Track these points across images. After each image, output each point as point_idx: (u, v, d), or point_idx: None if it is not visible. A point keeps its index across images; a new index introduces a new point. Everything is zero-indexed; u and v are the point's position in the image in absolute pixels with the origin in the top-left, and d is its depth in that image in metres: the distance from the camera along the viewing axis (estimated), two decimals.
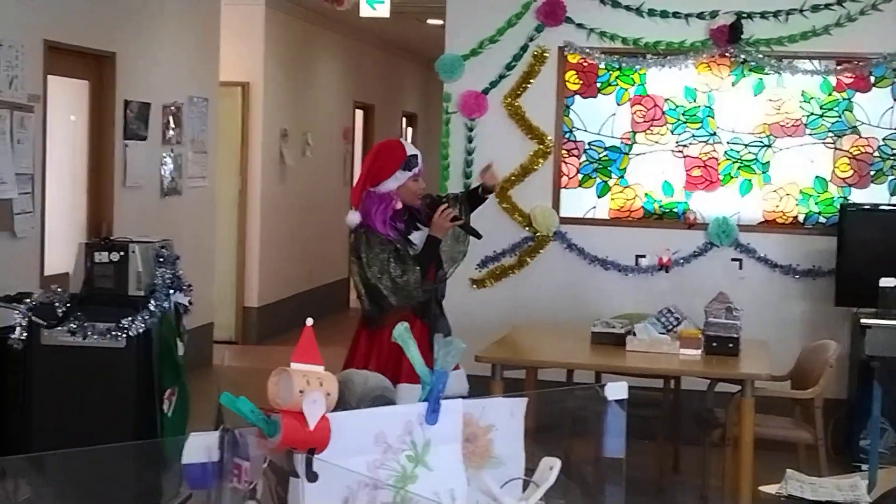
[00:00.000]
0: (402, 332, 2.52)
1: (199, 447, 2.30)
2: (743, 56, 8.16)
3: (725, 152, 8.29)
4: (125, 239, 6.12)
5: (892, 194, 8.14)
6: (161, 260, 5.97)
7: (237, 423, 2.32)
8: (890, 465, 4.79)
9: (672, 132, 8.34)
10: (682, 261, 8.29)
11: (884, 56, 8.01)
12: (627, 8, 8.29)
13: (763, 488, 4.82)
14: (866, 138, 8.14)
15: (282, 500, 2.28)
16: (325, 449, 2.22)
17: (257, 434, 2.24)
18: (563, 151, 8.46)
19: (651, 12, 8.27)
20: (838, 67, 8.11)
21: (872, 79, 8.12)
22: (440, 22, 9.47)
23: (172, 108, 9.36)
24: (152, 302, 5.83)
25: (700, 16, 8.21)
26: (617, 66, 8.34)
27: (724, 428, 6.34)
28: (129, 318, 5.75)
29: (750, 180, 8.28)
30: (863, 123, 8.14)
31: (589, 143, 8.44)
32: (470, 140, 8.45)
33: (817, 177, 8.21)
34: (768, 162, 8.25)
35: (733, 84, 8.26)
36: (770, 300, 8.17)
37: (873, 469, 4.30)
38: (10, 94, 7.00)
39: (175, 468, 5.59)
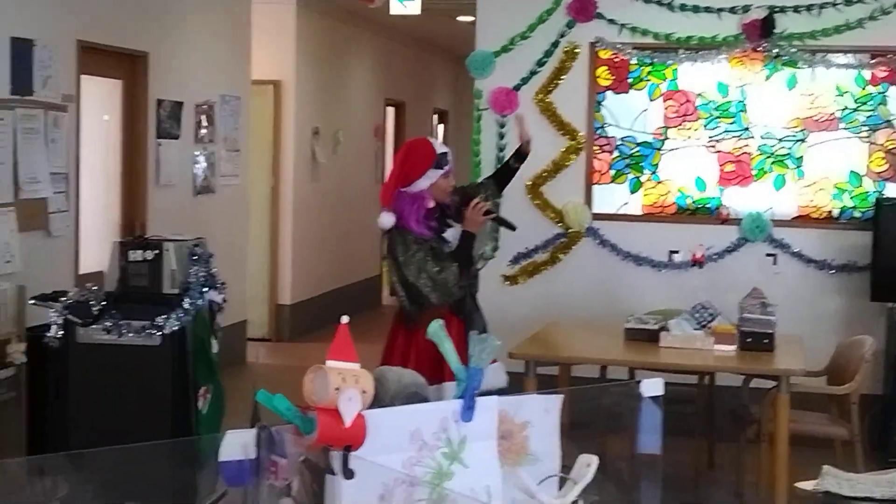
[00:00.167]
0: (436, 330, 2.52)
1: (236, 444, 2.31)
2: (776, 50, 8.12)
3: (759, 147, 8.25)
4: (159, 237, 6.15)
5: None
6: (195, 258, 5.99)
7: (273, 420, 2.33)
8: None
9: (705, 127, 8.30)
10: (715, 256, 8.26)
11: None
12: (659, 3, 8.26)
13: (799, 485, 4.79)
14: None
15: (317, 496, 2.29)
16: (362, 446, 2.22)
17: (293, 431, 2.24)
18: (595, 147, 8.43)
19: (683, 7, 8.23)
20: (872, 61, 8.05)
21: None
22: (471, 18, 9.46)
23: (205, 106, 9.39)
24: (186, 300, 5.85)
25: (732, 10, 8.17)
26: (649, 62, 8.31)
27: (760, 424, 6.31)
28: (164, 316, 5.77)
29: (784, 175, 8.23)
30: None
31: (621, 139, 8.41)
32: (501, 137, 8.44)
33: (852, 171, 8.16)
34: (802, 156, 8.20)
35: (766, 78, 8.21)
36: (805, 295, 8.13)
37: None
38: (44, 94, 7.05)
39: (210, 465, 5.62)
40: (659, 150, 8.37)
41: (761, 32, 8.06)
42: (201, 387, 5.94)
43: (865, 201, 8.12)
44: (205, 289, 5.95)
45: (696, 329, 6.46)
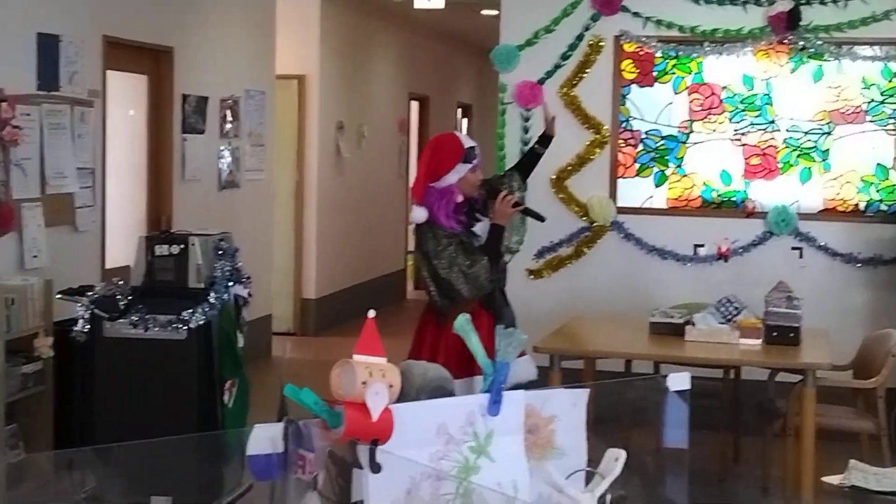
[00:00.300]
0: (463, 324, 2.52)
1: (264, 439, 2.32)
2: (802, 43, 8.08)
3: (784, 140, 8.21)
4: (185, 232, 6.17)
5: None
6: (220, 252, 6.01)
7: (300, 414, 2.34)
8: None
9: (730, 120, 8.27)
10: (741, 250, 8.23)
11: None
12: None
13: (826, 479, 4.78)
14: None
15: (343, 490, 2.30)
16: (388, 440, 2.23)
17: (320, 425, 2.25)
18: (620, 141, 8.42)
19: (708, 0, 8.20)
20: None
21: None
22: (495, 12, 9.45)
23: (230, 101, 9.42)
24: (212, 294, 5.87)
25: (758, 2, 8.14)
26: (674, 55, 8.29)
27: (786, 418, 6.29)
28: (190, 311, 5.79)
29: (809, 168, 8.20)
30: None
31: (646, 133, 8.39)
32: (526, 130, 8.43)
33: (878, 164, 8.12)
34: (828, 149, 8.16)
35: (792, 71, 8.18)
36: (831, 289, 8.09)
37: None
38: (70, 90, 7.08)
39: (236, 460, 5.65)
40: (684, 143, 8.34)
41: (787, 25, 8.03)
42: (227, 381, 5.97)
43: (892, 194, 8.08)
44: (230, 283, 5.97)
45: (721, 323, 6.45)
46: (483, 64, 13.68)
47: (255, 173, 10.00)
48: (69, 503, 4.72)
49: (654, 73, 8.36)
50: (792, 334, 6.30)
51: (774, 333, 6.30)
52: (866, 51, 8.05)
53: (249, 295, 6.19)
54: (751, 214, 8.23)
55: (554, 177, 8.30)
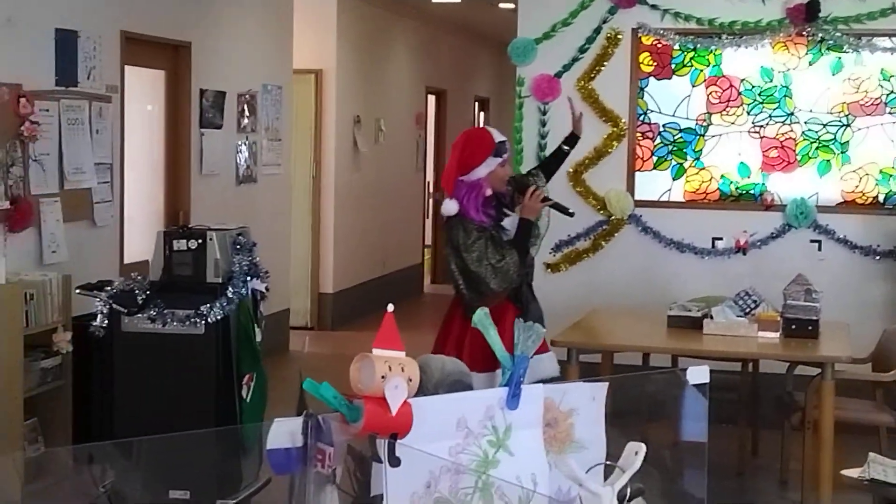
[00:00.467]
0: (481, 318, 2.53)
1: (284, 433, 2.32)
2: (820, 35, 8.04)
3: (803, 132, 8.18)
4: (203, 227, 6.18)
5: None
6: (238, 247, 6.02)
7: (319, 408, 2.34)
8: None
9: (748, 113, 8.25)
10: (759, 243, 8.21)
11: None
12: None
13: (845, 472, 4.76)
14: None
15: (360, 483, 2.30)
16: (408, 434, 2.23)
17: (340, 419, 2.25)
18: (638, 134, 8.40)
19: None
20: None
21: None
22: (512, 6, 9.44)
23: (247, 96, 9.43)
24: (230, 289, 5.88)
25: None
26: (692, 47, 8.26)
27: (804, 411, 6.27)
28: (208, 305, 5.80)
29: (828, 160, 8.16)
30: None
31: (664, 126, 8.37)
32: (543, 124, 8.42)
33: None
34: (847, 142, 8.13)
35: (811, 63, 8.15)
36: (850, 282, 8.06)
37: None
38: (88, 85, 7.10)
39: (254, 454, 5.67)
40: (702, 136, 8.32)
41: (805, 17, 7.99)
42: (245, 375, 5.98)
43: None
44: (248, 278, 5.98)
45: (739, 316, 6.43)
46: (500, 57, 13.67)
47: (272, 168, 10.01)
48: (89, 497, 4.74)
49: (672, 66, 8.34)
50: (810, 327, 6.28)
51: (793, 326, 6.28)
52: (885, 42, 8.01)
53: (267, 289, 6.20)
54: (769, 207, 8.20)
55: (571, 170, 8.28)
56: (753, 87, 8.22)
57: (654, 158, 8.40)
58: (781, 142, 8.21)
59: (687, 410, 3.11)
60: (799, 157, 8.19)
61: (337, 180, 11.75)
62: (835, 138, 8.15)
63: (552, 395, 2.55)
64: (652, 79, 8.37)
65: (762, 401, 7.13)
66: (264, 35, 9.90)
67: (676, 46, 8.29)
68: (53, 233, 6.71)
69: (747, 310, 6.52)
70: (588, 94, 8.36)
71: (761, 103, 8.22)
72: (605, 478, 2.59)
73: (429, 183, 15.44)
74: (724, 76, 8.27)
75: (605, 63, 8.36)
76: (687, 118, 8.33)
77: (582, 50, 8.38)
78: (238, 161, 9.34)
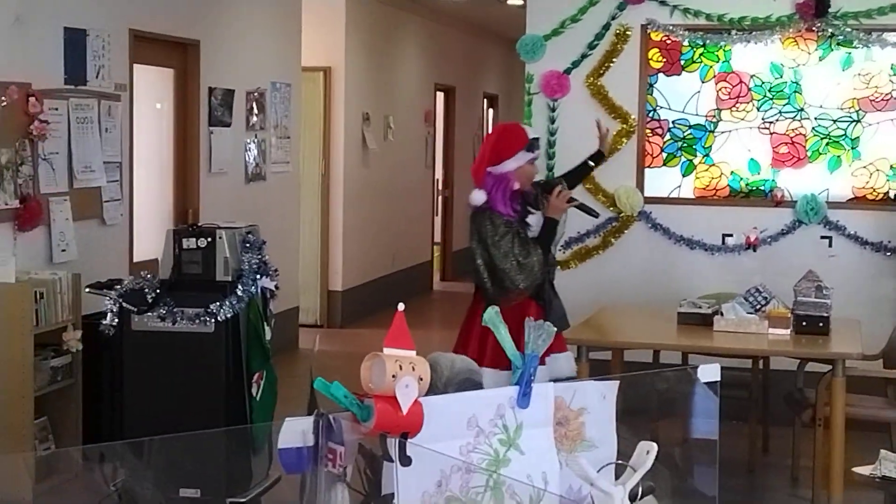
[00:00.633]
0: (492, 316, 2.52)
1: (295, 432, 2.32)
2: (830, 30, 8.02)
3: (813, 128, 8.16)
4: (212, 225, 6.18)
5: None
6: (247, 245, 6.02)
7: (329, 407, 2.33)
8: None
9: (758, 109, 8.22)
10: (769, 239, 8.19)
11: None
12: None
13: (856, 469, 4.75)
14: None
15: (370, 482, 2.30)
16: (419, 433, 2.22)
17: (350, 418, 2.25)
18: (647, 130, 8.38)
19: None
20: None
21: None
22: (521, 2, 9.42)
23: (256, 94, 9.43)
24: (239, 287, 5.87)
25: None
26: (701, 43, 8.24)
27: (815, 408, 6.25)
28: (218, 304, 5.80)
29: (839, 156, 8.14)
30: None
31: (673, 122, 8.35)
32: (552, 121, 8.40)
33: None
34: (858, 137, 8.10)
35: (820, 59, 8.12)
36: (861, 278, 8.04)
37: None
38: (97, 84, 7.10)
39: (263, 452, 5.67)
40: (712, 132, 8.30)
41: (815, 12, 7.96)
42: (255, 373, 5.97)
43: None
44: (257, 276, 5.97)
45: (750, 313, 6.41)
46: (509, 54, 13.65)
47: (281, 166, 10.01)
48: (99, 495, 4.74)
49: (682, 62, 8.32)
50: (821, 324, 6.26)
51: (804, 323, 6.27)
52: (895, 37, 7.99)
53: (276, 287, 6.19)
54: (779, 203, 8.18)
55: None
56: (763, 82, 8.20)
57: (664, 155, 8.38)
58: (791, 138, 8.19)
59: (698, 408, 3.10)
60: (809, 153, 8.17)
61: (346, 178, 11.75)
62: (845, 134, 8.12)
63: (563, 393, 2.55)
64: (661, 75, 8.35)
65: (773, 398, 7.11)
66: (273, 33, 9.90)
67: (686, 42, 8.26)
68: (63, 231, 6.71)
69: (758, 306, 6.51)
70: (597, 91, 8.34)
71: (771, 99, 8.20)
72: (616, 476, 2.58)
73: (438, 180, 15.44)
74: (733, 72, 8.25)
75: (615, 59, 8.34)
76: (696, 114, 8.31)
77: (591, 46, 8.37)
78: (247, 159, 9.34)
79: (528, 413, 2.45)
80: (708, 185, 8.33)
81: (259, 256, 6.03)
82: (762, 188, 8.24)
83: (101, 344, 5.96)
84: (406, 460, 2.20)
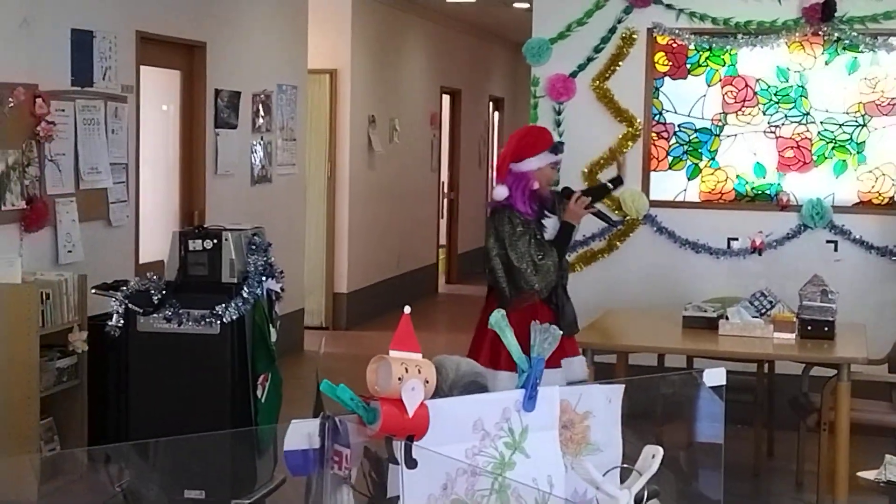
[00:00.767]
0: (498, 320, 2.52)
1: (301, 434, 2.32)
2: (836, 34, 8.02)
3: (819, 133, 8.16)
4: (218, 227, 6.19)
5: None
6: (253, 247, 6.02)
7: (335, 409, 2.34)
8: None
9: (764, 113, 8.22)
10: (775, 243, 8.18)
11: None
12: None
13: (861, 474, 4.76)
14: None
15: (375, 484, 2.30)
16: (424, 436, 2.23)
17: (356, 421, 2.25)
18: (653, 134, 8.38)
19: None
20: None
21: None
22: (527, 5, 9.44)
23: (262, 96, 9.44)
24: (245, 289, 5.88)
25: None
26: (707, 47, 8.24)
27: (820, 412, 6.25)
28: (223, 305, 5.81)
29: (845, 161, 8.14)
30: None
31: (679, 125, 8.35)
32: (558, 124, 8.40)
33: None
34: (864, 142, 8.10)
35: (827, 63, 8.12)
36: (867, 283, 8.03)
37: None
38: (104, 86, 7.11)
39: (268, 454, 5.68)
40: (717, 136, 8.30)
41: (821, 16, 7.96)
42: (260, 375, 5.98)
43: None
44: (263, 278, 5.98)
45: (755, 317, 6.41)
46: (515, 57, 13.67)
47: (287, 168, 10.02)
48: (104, 496, 4.75)
49: (688, 66, 8.32)
50: (826, 328, 6.26)
51: (809, 327, 6.27)
52: None
53: (282, 289, 6.20)
54: (785, 207, 8.18)
55: (586, 170, 8.27)
56: (769, 86, 8.20)
57: (670, 158, 8.38)
58: (797, 142, 8.19)
59: (703, 412, 3.10)
60: (815, 158, 8.17)
61: (351, 180, 11.76)
62: (851, 138, 8.12)
63: (568, 397, 2.55)
64: (667, 78, 8.36)
65: (778, 402, 7.11)
66: (279, 35, 9.91)
67: (692, 46, 8.27)
68: (69, 233, 6.72)
69: (763, 310, 6.51)
70: (603, 94, 8.35)
71: (777, 103, 8.20)
72: (622, 480, 2.58)
73: (443, 183, 15.45)
74: (739, 76, 8.25)
75: (621, 63, 8.34)
76: (702, 118, 8.32)
77: (597, 50, 8.37)
78: (253, 161, 9.35)
79: (534, 416, 2.45)
80: (713, 189, 8.33)
81: (265, 258, 6.03)
82: (768, 192, 8.24)
83: (107, 345, 5.97)
84: (411, 463, 2.20)
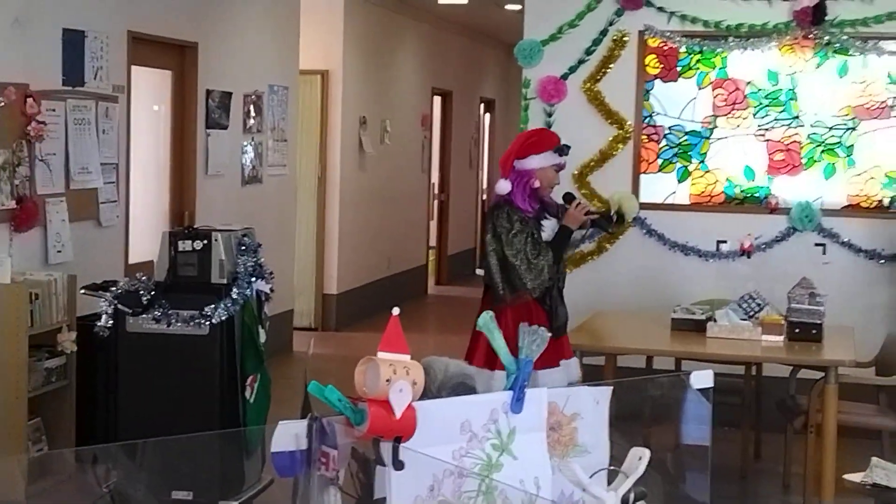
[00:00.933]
0: (486, 322, 2.53)
1: (288, 435, 2.32)
2: (827, 38, 8.03)
3: (808, 136, 8.18)
4: (208, 227, 6.19)
5: None
6: (243, 248, 6.02)
7: (323, 411, 2.34)
8: None
9: (754, 116, 8.24)
10: (764, 246, 8.20)
11: None
12: None
13: (847, 476, 4.77)
14: None
15: (363, 485, 2.30)
16: (412, 437, 2.23)
17: (344, 422, 2.25)
18: (643, 136, 8.39)
19: None
20: None
21: None
22: (519, 7, 9.45)
23: (253, 96, 9.44)
24: (235, 289, 5.88)
25: None
26: (698, 50, 8.26)
27: (807, 415, 6.27)
28: (212, 306, 5.80)
29: (834, 164, 8.16)
30: None
31: (669, 128, 8.37)
32: (549, 126, 8.39)
33: None
34: (853, 145, 8.12)
35: (817, 66, 8.14)
36: (854, 286, 8.05)
37: None
38: (95, 85, 7.11)
39: (256, 455, 5.67)
40: (707, 138, 8.31)
41: (812, 19, 7.98)
42: (249, 376, 5.98)
43: None
44: (253, 278, 5.98)
45: (743, 319, 6.43)
46: (506, 59, 13.68)
47: (277, 168, 10.02)
48: (92, 498, 4.75)
49: (678, 68, 8.34)
50: (814, 331, 6.28)
51: (797, 330, 6.28)
52: (892, 46, 8.00)
53: (271, 290, 6.20)
54: (774, 210, 8.20)
55: (576, 172, 8.27)
56: (759, 89, 8.22)
57: (660, 161, 8.39)
58: (787, 145, 8.21)
59: (690, 414, 3.11)
60: (804, 161, 8.18)
61: (342, 181, 11.76)
62: (840, 142, 8.14)
63: (556, 398, 2.56)
64: (658, 81, 8.37)
65: (765, 404, 7.13)
66: (271, 36, 9.91)
67: (682, 49, 8.28)
68: (59, 233, 6.72)
69: (751, 313, 6.52)
70: (594, 96, 8.35)
71: (767, 106, 8.22)
72: (609, 482, 2.59)
73: (434, 184, 15.45)
74: (729, 79, 8.26)
75: (612, 65, 8.35)
76: (692, 121, 8.33)
77: (588, 52, 8.38)
78: (244, 162, 9.35)
79: (522, 418, 2.46)
80: (703, 192, 8.35)
81: (254, 259, 6.04)
82: (757, 195, 8.26)
83: (96, 345, 5.96)
84: (399, 464, 2.21)
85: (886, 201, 8.10)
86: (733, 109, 8.27)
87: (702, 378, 2.83)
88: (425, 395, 2.35)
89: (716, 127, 8.29)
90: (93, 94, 7.08)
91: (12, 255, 6.21)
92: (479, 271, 6.08)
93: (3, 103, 6.22)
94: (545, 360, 5.34)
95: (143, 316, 5.84)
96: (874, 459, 4.76)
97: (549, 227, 5.67)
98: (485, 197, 17.40)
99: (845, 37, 8.00)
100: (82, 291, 6.18)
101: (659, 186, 8.40)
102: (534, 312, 5.49)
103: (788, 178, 8.21)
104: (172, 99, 8.44)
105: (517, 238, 5.52)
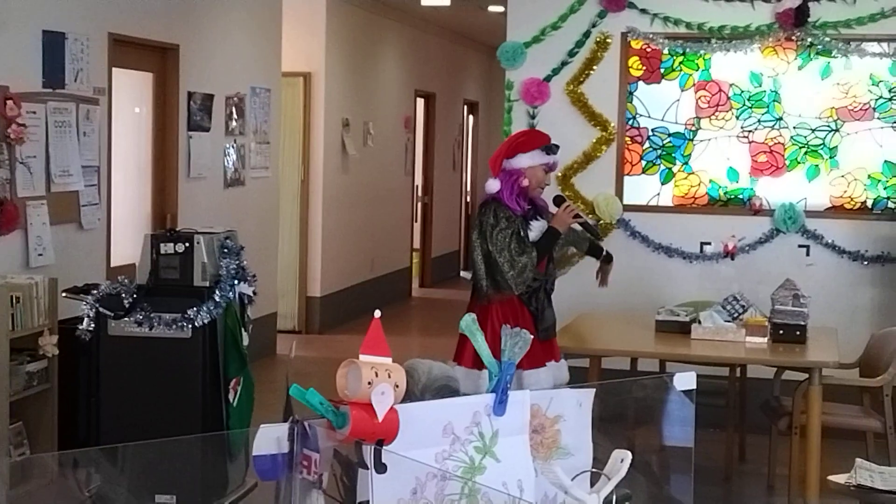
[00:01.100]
0: (468, 324, 2.51)
1: (270, 439, 2.31)
2: (810, 39, 8.05)
3: (792, 137, 8.19)
4: (190, 230, 6.16)
5: None
6: (226, 251, 6.00)
7: (305, 414, 2.33)
8: None
9: (737, 117, 8.25)
10: (747, 248, 8.21)
11: None
12: None
13: (832, 477, 4.77)
14: None
15: (347, 489, 2.29)
16: (394, 440, 2.22)
17: (326, 425, 2.24)
18: (627, 138, 8.40)
19: None
20: None
21: None
22: (502, 9, 9.45)
23: (235, 99, 9.41)
24: (217, 292, 5.86)
25: None
26: (681, 52, 8.26)
27: (792, 416, 6.27)
28: (195, 309, 5.78)
29: (817, 165, 8.17)
30: None
31: (652, 130, 8.37)
32: (532, 128, 8.40)
33: (886, 161, 8.09)
34: (836, 147, 8.14)
35: (800, 68, 8.15)
36: (838, 287, 8.07)
37: None
38: (75, 87, 7.07)
39: (239, 459, 5.65)
40: (691, 140, 8.32)
41: (795, 21, 8.00)
42: (232, 379, 5.96)
43: None
44: (235, 281, 5.96)
45: (727, 321, 6.43)
46: (490, 61, 13.67)
47: (260, 171, 9.99)
48: (74, 502, 4.72)
49: (662, 70, 8.34)
50: (798, 332, 6.28)
51: (781, 331, 6.29)
52: (874, 47, 8.02)
53: (254, 293, 6.18)
54: (758, 212, 8.21)
55: (560, 174, 8.27)
56: (742, 91, 8.23)
57: (643, 163, 8.40)
58: (770, 146, 8.22)
59: (674, 415, 3.10)
60: (787, 162, 8.20)
61: (325, 183, 11.73)
62: (823, 143, 8.15)
63: (539, 401, 2.54)
64: (641, 83, 8.38)
65: (749, 406, 7.13)
66: (253, 37, 9.88)
67: (666, 51, 8.29)
68: (40, 235, 6.68)
69: (735, 315, 6.53)
70: (577, 98, 8.35)
71: (750, 108, 8.23)
72: (592, 484, 2.58)
73: (417, 186, 15.44)
74: (713, 80, 8.27)
75: (595, 67, 8.35)
76: (676, 122, 8.34)
77: (571, 54, 8.38)
78: (226, 164, 9.32)
79: (504, 420, 2.45)
80: (687, 194, 8.36)
81: (237, 262, 6.01)
82: (741, 197, 8.27)
83: (78, 349, 5.93)
84: (381, 467, 2.19)
85: (870, 203, 8.12)
86: (716, 111, 8.28)
87: (685, 380, 2.82)
88: (408, 397, 2.34)
89: (699, 129, 8.30)
90: (73, 97, 7.05)
91: None
92: (464, 273, 6.09)
93: None
94: (532, 362, 5.33)
95: (126, 319, 5.81)
96: (858, 460, 4.77)
97: (536, 228, 5.68)
98: (469, 199, 17.40)
99: (828, 38, 8.01)
100: (64, 295, 6.15)
101: (643, 188, 8.41)
102: (520, 314, 5.51)
103: (772, 179, 8.22)
104: (154, 101, 8.41)
105: (501, 234, 5.54)
